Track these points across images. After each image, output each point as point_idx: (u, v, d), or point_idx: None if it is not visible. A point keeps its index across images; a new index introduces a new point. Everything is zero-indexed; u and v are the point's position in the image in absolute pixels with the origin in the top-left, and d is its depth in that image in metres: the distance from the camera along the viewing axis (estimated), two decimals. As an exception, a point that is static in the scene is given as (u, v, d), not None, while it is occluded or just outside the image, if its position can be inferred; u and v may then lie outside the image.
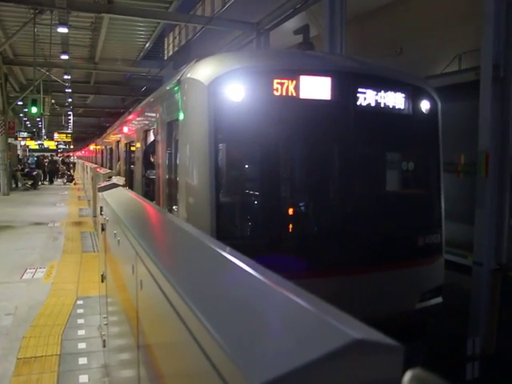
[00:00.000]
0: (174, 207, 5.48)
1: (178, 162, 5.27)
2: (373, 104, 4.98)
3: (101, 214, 4.45)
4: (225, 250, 1.45)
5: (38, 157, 35.28)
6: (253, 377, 0.69)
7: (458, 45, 12.12)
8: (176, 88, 5.34)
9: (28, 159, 36.68)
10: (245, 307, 1.01)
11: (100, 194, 4.72)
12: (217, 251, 1.47)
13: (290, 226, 4.97)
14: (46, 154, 42.23)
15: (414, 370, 0.68)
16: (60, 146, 46.92)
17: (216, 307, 1.04)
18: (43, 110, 21.14)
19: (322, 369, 0.68)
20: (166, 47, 32.10)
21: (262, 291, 1.07)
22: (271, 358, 0.73)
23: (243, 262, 1.25)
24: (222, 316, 0.98)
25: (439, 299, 5.35)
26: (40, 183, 28.61)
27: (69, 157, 54.67)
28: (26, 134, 32.88)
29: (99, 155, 22.84)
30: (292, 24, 14.01)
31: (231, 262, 1.31)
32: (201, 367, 0.93)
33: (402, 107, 5.24)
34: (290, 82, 4.60)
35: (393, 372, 0.70)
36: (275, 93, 4.57)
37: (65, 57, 19.20)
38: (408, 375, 0.67)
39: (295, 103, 4.71)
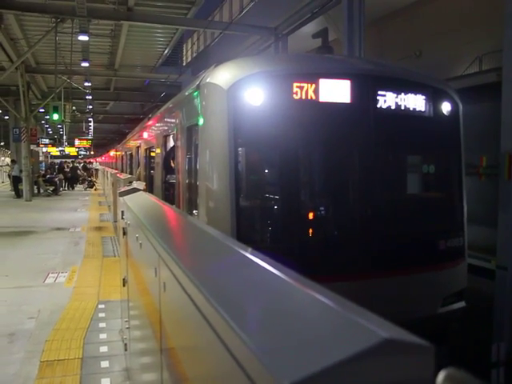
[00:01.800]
0: (194, 211, 5.50)
1: (197, 166, 5.30)
2: (393, 106, 4.94)
3: (122, 219, 4.48)
4: (247, 251, 1.45)
5: (60, 163, 35.74)
6: (282, 377, 0.68)
7: (478, 46, 11.97)
8: (195, 93, 5.37)
9: (53, 165, 37.19)
10: (270, 307, 1.00)
11: (121, 198, 4.76)
12: (240, 252, 1.47)
13: (311, 230, 4.95)
14: (67, 160, 42.75)
15: (448, 369, 0.67)
16: (81, 152, 47.45)
17: (241, 308, 1.04)
18: (64, 116, 21.53)
19: (351, 369, 0.67)
20: (184, 53, 32.31)
21: (287, 291, 1.07)
22: (300, 358, 0.72)
23: (266, 263, 1.24)
24: (247, 316, 0.97)
25: (462, 303, 5.28)
26: (61, 189, 29.01)
27: (90, 163, 55.30)
28: (47, 141, 33.32)
29: (119, 161, 23.09)
30: (310, 28, 14.00)
31: (254, 262, 1.30)
32: (227, 368, 0.93)
33: (423, 109, 5.19)
34: (309, 85, 4.59)
35: (424, 372, 0.69)
36: (295, 96, 4.57)
37: (85, 64, 19.47)
38: (442, 375, 0.66)
39: (315, 107, 4.69)
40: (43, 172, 29.79)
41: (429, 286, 5.06)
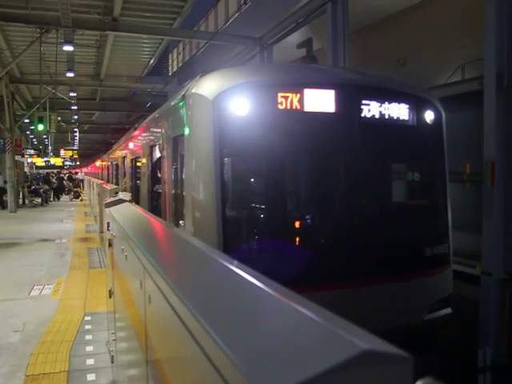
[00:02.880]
0: (180, 222, 5.49)
1: (183, 176, 5.30)
2: (377, 116, 4.99)
3: (108, 230, 4.46)
4: (232, 264, 1.45)
5: (46, 173, 35.44)
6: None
7: (460, 55, 12.16)
8: (181, 103, 5.38)
9: (37, 176, 36.83)
10: (253, 320, 1.01)
11: (107, 209, 4.73)
12: (224, 265, 1.48)
13: (297, 239, 4.96)
14: (52, 170, 42.43)
15: (425, 379, 0.68)
16: (66, 163, 47.14)
17: (224, 320, 1.04)
18: (49, 127, 21.39)
19: (330, 381, 0.68)
20: (170, 63, 32.34)
21: (270, 303, 1.08)
22: (281, 371, 0.73)
23: (250, 275, 1.25)
24: (230, 329, 0.98)
25: (448, 310, 5.31)
26: (50, 200, 28.81)
27: (76, 173, 54.88)
28: (32, 151, 33.10)
29: (105, 171, 22.97)
30: (295, 38, 14.12)
31: (238, 275, 1.31)
32: (211, 381, 0.93)
33: (407, 118, 5.25)
34: (294, 95, 4.63)
35: (403, 383, 0.70)
36: (280, 106, 4.60)
37: (70, 74, 19.41)
38: (418, 384, 0.67)
39: (300, 116, 4.73)
40: (28, 183, 29.54)
41: (415, 293, 5.09)
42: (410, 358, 0.72)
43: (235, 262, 1.47)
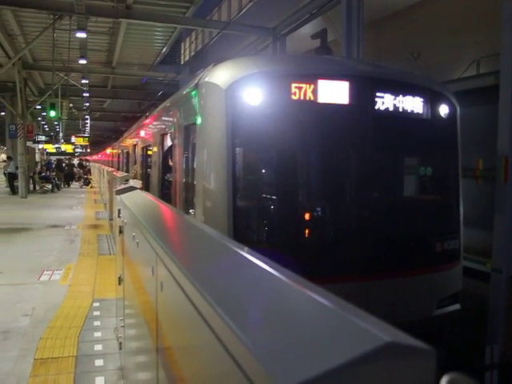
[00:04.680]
0: (190, 211, 5.49)
1: (195, 165, 5.29)
2: (391, 108, 4.94)
3: (118, 217, 4.47)
4: (245, 251, 1.44)
5: (58, 160, 35.61)
6: (281, 379, 0.68)
7: (476, 49, 12.01)
8: (194, 92, 5.36)
9: (47, 162, 36.99)
10: (269, 308, 0.99)
11: (118, 196, 4.74)
12: (238, 252, 1.47)
13: (307, 230, 4.95)
14: (63, 157, 42.62)
15: (451, 373, 0.66)
16: (77, 150, 47.33)
17: (240, 308, 1.03)
18: (61, 113, 21.43)
19: (352, 372, 0.67)
20: (182, 52, 32.28)
21: (286, 292, 1.06)
22: (300, 361, 0.71)
23: (264, 263, 1.24)
24: (246, 317, 0.97)
25: (457, 306, 5.28)
26: (62, 186, 29.00)
27: (87, 160, 55.06)
28: (44, 138, 33.23)
29: (115, 159, 23.04)
30: (308, 29, 14.01)
31: (252, 262, 1.30)
32: (225, 368, 0.92)
33: (421, 112, 5.20)
34: (307, 86, 4.59)
35: (426, 376, 0.68)
36: (293, 97, 4.57)
37: (83, 61, 19.42)
38: (445, 379, 0.66)
39: (313, 107, 4.69)
40: (39, 169, 29.72)
41: (424, 289, 5.07)
42: (433, 351, 0.70)
43: (247, 249, 1.46)
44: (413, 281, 4.96)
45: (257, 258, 1.31)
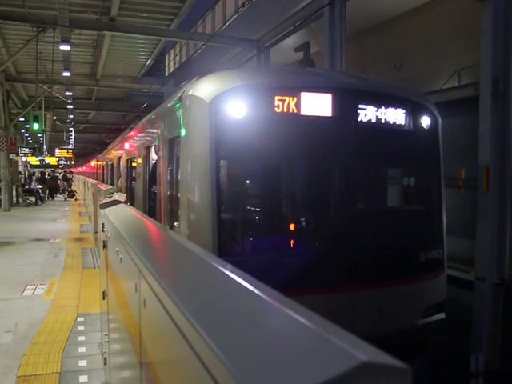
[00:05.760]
0: (175, 224, 5.48)
1: (179, 178, 5.28)
2: (373, 120, 5.00)
3: (102, 231, 4.44)
4: (227, 268, 1.45)
5: (41, 172, 35.22)
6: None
7: (456, 61, 12.21)
8: (178, 105, 5.37)
9: (31, 174, 36.58)
10: (248, 326, 1.00)
11: (102, 210, 4.71)
12: (219, 269, 1.47)
13: (292, 242, 4.96)
14: (47, 169, 42.22)
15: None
16: (61, 162, 46.89)
17: (219, 326, 1.04)
18: (45, 126, 21.32)
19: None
20: (167, 64, 32.32)
21: (265, 310, 1.07)
22: (276, 380, 0.72)
23: (245, 280, 1.25)
24: (225, 334, 0.97)
25: (442, 315, 5.32)
26: (46, 199, 28.68)
27: (71, 172, 54.58)
28: (27, 150, 32.93)
29: (100, 171, 22.90)
30: (292, 41, 14.15)
31: (233, 280, 1.31)
32: (205, 387, 0.93)
33: (403, 123, 5.26)
34: (291, 98, 4.62)
35: (400, 395, 0.69)
36: (276, 110, 4.59)
37: (66, 74, 19.33)
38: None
39: (296, 120, 4.72)
40: (22, 182, 29.41)
41: (409, 298, 5.10)
42: (410, 370, 0.71)
43: (230, 266, 1.46)
44: (397, 290, 4.99)
45: (238, 275, 1.32)
